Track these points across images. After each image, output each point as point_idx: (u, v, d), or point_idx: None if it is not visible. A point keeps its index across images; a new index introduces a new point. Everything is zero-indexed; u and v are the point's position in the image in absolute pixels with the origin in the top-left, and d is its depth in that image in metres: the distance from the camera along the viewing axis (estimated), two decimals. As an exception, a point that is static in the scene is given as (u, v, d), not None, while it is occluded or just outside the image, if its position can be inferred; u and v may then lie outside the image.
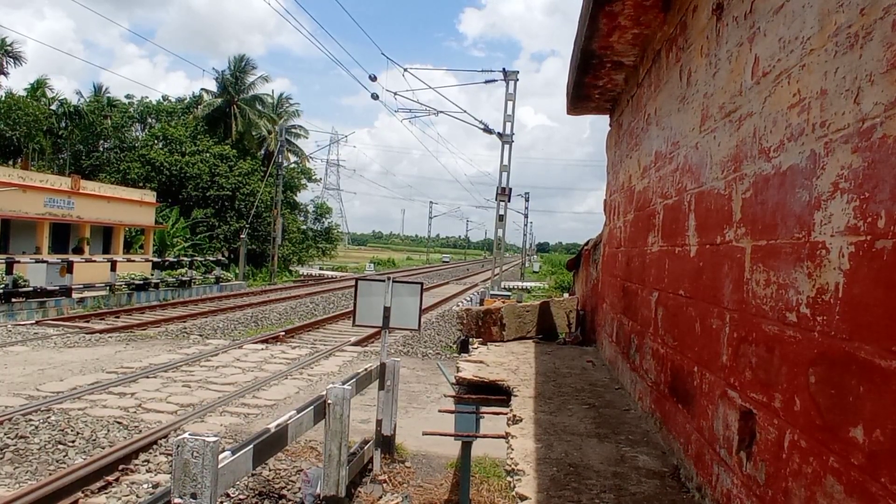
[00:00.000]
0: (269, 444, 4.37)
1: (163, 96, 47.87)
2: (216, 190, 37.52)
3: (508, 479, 2.71)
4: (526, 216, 57.79)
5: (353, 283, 7.21)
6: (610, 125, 5.94)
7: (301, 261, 45.81)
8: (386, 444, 6.90)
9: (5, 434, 6.98)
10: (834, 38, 1.55)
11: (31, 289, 18.82)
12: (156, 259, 28.44)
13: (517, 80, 21.84)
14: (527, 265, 62.89)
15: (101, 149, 42.18)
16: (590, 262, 6.77)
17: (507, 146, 21.80)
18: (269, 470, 6.42)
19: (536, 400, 3.85)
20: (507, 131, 21.85)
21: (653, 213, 3.62)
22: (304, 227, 46.57)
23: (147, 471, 6.36)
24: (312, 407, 5.15)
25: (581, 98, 5.44)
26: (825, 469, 1.46)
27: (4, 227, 23.54)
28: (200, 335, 15.46)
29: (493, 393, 4.26)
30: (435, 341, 16.24)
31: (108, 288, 21.69)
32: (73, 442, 6.95)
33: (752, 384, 1.94)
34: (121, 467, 6.28)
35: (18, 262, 19.37)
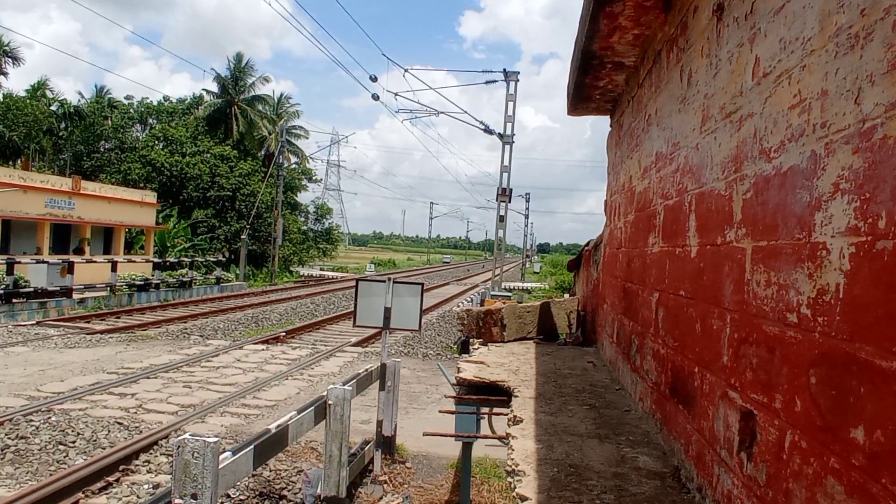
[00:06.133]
0: (270, 445, 4.37)
1: (164, 97, 47.95)
2: (217, 190, 37.53)
3: (509, 479, 2.71)
4: (526, 217, 57.87)
5: (353, 283, 7.21)
6: (610, 126, 5.94)
7: (301, 261, 45.82)
8: (386, 444, 6.89)
9: (6, 434, 6.98)
10: (834, 38, 1.55)
11: (31, 289, 18.82)
12: (156, 260, 28.44)
13: (518, 80, 21.82)
14: (527, 266, 62.89)
15: (102, 149, 42.19)
16: (590, 262, 6.77)
17: (507, 147, 21.79)
18: (270, 470, 6.42)
19: (537, 401, 3.85)
20: (508, 132, 21.84)
21: (653, 213, 3.62)
22: (304, 227, 46.59)
23: (148, 471, 6.36)
24: (313, 407, 5.15)
25: (582, 99, 5.44)
26: (826, 470, 1.46)
27: (5, 227, 23.54)
28: (201, 336, 15.46)
29: (493, 394, 4.26)
30: (435, 342, 16.23)
31: (108, 288, 21.69)
32: (74, 442, 6.95)
33: (752, 385, 1.94)
34: (121, 468, 6.29)
35: (19, 262, 19.38)
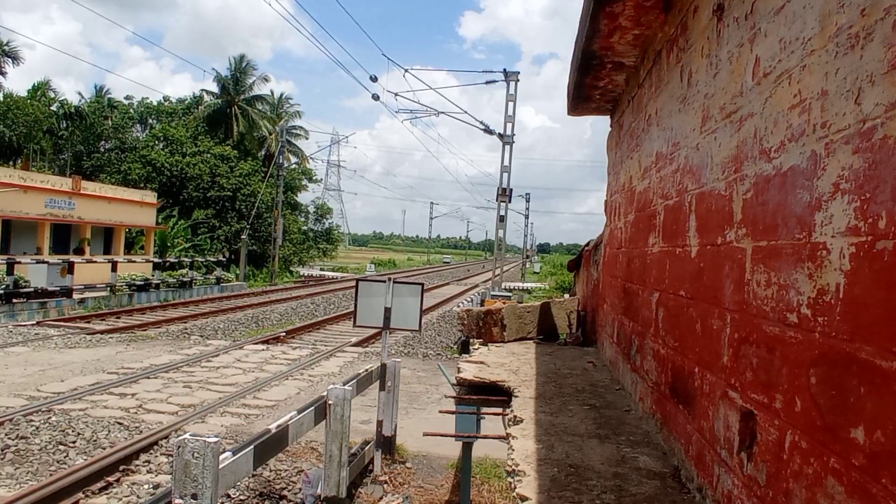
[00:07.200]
0: (270, 445, 4.37)
1: (164, 97, 47.95)
2: (217, 191, 37.54)
3: (509, 479, 2.71)
4: (527, 217, 57.87)
5: (353, 283, 7.21)
6: (611, 126, 5.94)
7: (302, 261, 45.82)
8: (387, 444, 6.89)
9: (6, 435, 6.98)
10: (835, 38, 1.55)
11: (31, 289, 18.82)
12: (156, 260, 28.44)
13: (518, 80, 21.81)
14: (527, 266, 62.87)
15: (102, 149, 42.22)
16: (590, 262, 6.77)
17: (507, 147, 21.79)
18: (270, 470, 6.41)
19: (537, 401, 3.85)
20: (508, 132, 21.84)
21: (653, 213, 3.62)
22: (304, 227, 46.60)
23: (148, 471, 6.36)
24: (313, 408, 5.15)
25: (582, 99, 5.44)
26: (826, 470, 1.46)
27: (5, 227, 23.55)
28: (201, 336, 15.46)
29: (493, 394, 4.26)
30: (436, 342, 16.22)
31: (108, 288, 21.69)
32: (74, 442, 6.95)
33: (752, 385, 1.94)
34: (122, 468, 6.28)
35: (19, 262, 19.38)
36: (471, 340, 6.25)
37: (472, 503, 6.04)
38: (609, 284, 5.31)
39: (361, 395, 6.88)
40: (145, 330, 16.02)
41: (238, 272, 33.33)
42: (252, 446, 4.07)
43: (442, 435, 5.32)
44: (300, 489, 5.98)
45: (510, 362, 4.99)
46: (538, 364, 5.05)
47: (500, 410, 4.03)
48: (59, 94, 41.28)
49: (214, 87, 43.58)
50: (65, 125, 39.95)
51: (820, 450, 1.50)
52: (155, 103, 46.55)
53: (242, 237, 34.18)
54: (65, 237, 27.16)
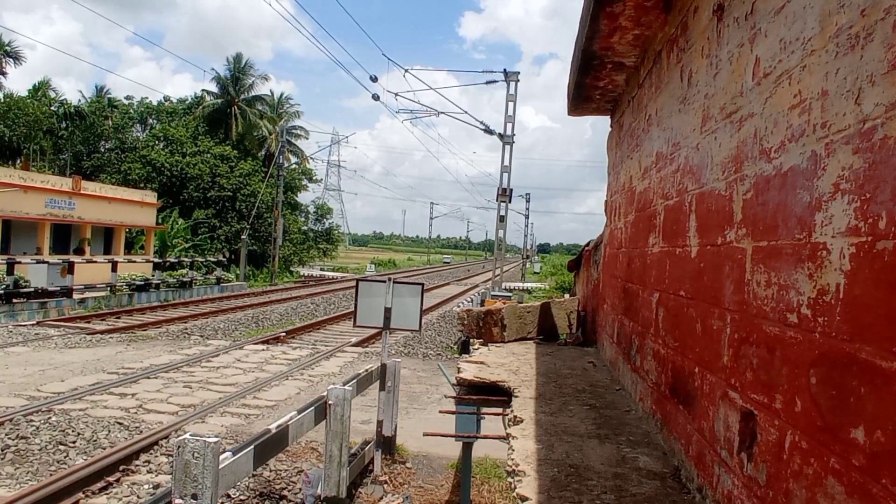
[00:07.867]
0: (270, 445, 4.37)
1: (164, 97, 47.97)
2: (217, 191, 37.54)
3: (509, 479, 2.71)
4: (527, 217, 57.82)
5: (353, 283, 7.21)
6: (611, 126, 5.94)
7: (302, 261, 45.82)
8: (387, 444, 6.89)
9: (6, 435, 6.98)
10: (835, 38, 1.55)
11: (32, 289, 18.82)
12: (157, 260, 28.44)
13: (518, 80, 21.79)
14: (527, 266, 62.84)
15: (102, 149, 42.23)
16: (590, 262, 6.77)
17: (507, 147, 21.78)
18: (270, 471, 6.41)
19: (537, 401, 3.85)
20: (508, 132, 21.83)
21: (654, 213, 3.62)
22: (304, 227, 46.60)
23: (148, 471, 6.36)
24: (313, 408, 5.15)
25: (582, 99, 5.44)
26: (826, 470, 1.46)
27: (5, 227, 23.55)
28: (201, 336, 15.46)
29: (493, 394, 4.26)
30: (436, 342, 16.22)
31: (108, 288, 21.69)
32: (74, 442, 6.95)
33: (753, 385, 1.94)
34: (122, 468, 6.28)
35: (19, 262, 19.38)
36: (471, 340, 6.25)
37: (472, 503, 6.04)
38: (609, 284, 5.31)
39: (361, 395, 6.88)
40: (145, 330, 16.02)
41: (238, 272, 33.32)
42: (252, 446, 4.07)
43: (442, 435, 5.32)
44: (300, 489, 5.98)
45: (510, 362, 4.99)
46: (538, 364, 5.05)
47: (500, 410, 4.03)
48: (59, 94, 41.34)
49: (214, 88, 43.62)
50: (65, 125, 39.95)
51: (820, 450, 1.50)
52: (155, 103, 46.58)
53: (242, 237, 34.17)
54: (65, 237, 27.17)
